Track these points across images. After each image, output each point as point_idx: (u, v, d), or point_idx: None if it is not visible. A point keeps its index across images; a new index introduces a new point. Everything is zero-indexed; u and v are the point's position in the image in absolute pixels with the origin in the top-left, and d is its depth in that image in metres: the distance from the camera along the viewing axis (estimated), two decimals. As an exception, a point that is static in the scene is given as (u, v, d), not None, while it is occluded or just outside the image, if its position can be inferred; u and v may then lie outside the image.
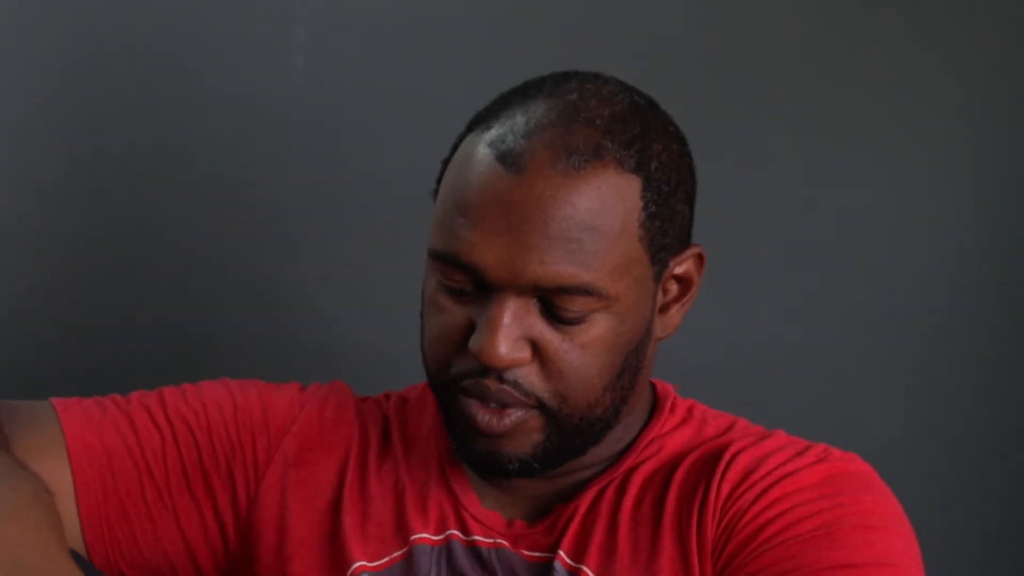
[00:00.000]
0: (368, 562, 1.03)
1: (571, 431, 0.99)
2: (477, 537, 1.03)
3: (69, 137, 1.47)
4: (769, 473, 0.99)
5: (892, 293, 1.58)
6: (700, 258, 1.03)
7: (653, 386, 1.09)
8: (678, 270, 1.02)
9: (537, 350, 0.96)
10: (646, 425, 1.07)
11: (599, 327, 0.96)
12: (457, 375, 0.98)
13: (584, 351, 0.96)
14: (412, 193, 1.53)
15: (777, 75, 1.55)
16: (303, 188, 1.51)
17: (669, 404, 1.07)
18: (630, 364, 0.99)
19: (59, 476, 1.03)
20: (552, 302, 0.94)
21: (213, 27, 1.48)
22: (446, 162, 1.02)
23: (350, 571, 1.03)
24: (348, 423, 1.10)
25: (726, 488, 0.99)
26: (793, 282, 1.56)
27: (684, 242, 1.02)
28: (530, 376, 0.96)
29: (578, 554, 1.01)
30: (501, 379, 0.96)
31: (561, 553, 1.01)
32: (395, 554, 1.04)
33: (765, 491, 0.98)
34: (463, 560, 1.03)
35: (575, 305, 0.94)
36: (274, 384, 1.12)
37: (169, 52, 1.47)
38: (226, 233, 1.50)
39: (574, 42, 1.52)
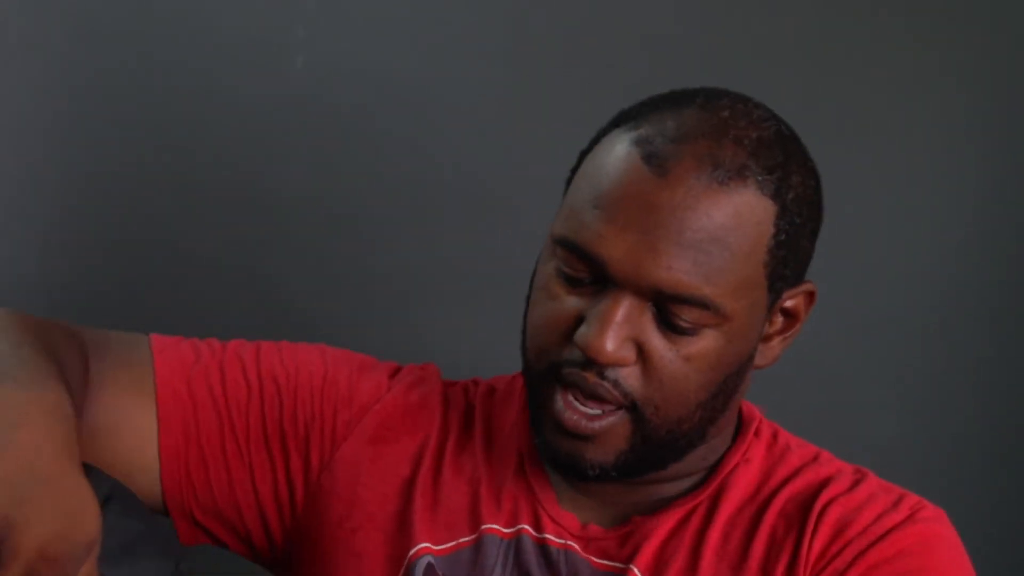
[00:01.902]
0: (433, 545, 1.04)
1: (655, 443, 0.98)
2: (548, 536, 1.03)
3: (69, 137, 1.47)
4: (865, 530, 0.98)
5: (892, 293, 1.58)
6: (811, 296, 1.03)
7: (739, 407, 1.09)
8: (788, 303, 1.02)
9: (641, 354, 0.96)
10: (731, 447, 1.06)
11: (707, 343, 0.96)
12: (557, 363, 0.98)
13: (688, 364, 0.96)
14: (412, 193, 1.54)
15: (777, 75, 1.55)
16: (303, 188, 1.51)
17: (754, 427, 1.07)
18: (727, 386, 1.00)
19: (144, 417, 1.06)
20: (668, 309, 0.95)
21: (213, 27, 1.48)
22: (584, 153, 1.02)
23: (412, 551, 1.03)
24: (431, 407, 1.11)
25: (819, 544, 0.99)
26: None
27: (800, 276, 1.02)
28: (630, 378, 0.96)
29: (654, 575, 1.00)
30: (602, 375, 0.96)
31: (635, 569, 1.00)
32: (463, 540, 1.04)
33: (862, 553, 0.98)
34: (531, 557, 1.03)
35: (690, 316, 0.95)
36: (369, 362, 1.14)
37: (169, 52, 1.47)
38: (225, 232, 1.50)
39: (574, 42, 1.52)
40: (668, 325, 0.95)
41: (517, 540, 1.03)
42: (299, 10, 1.49)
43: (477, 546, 1.04)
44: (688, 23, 1.55)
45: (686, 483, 1.05)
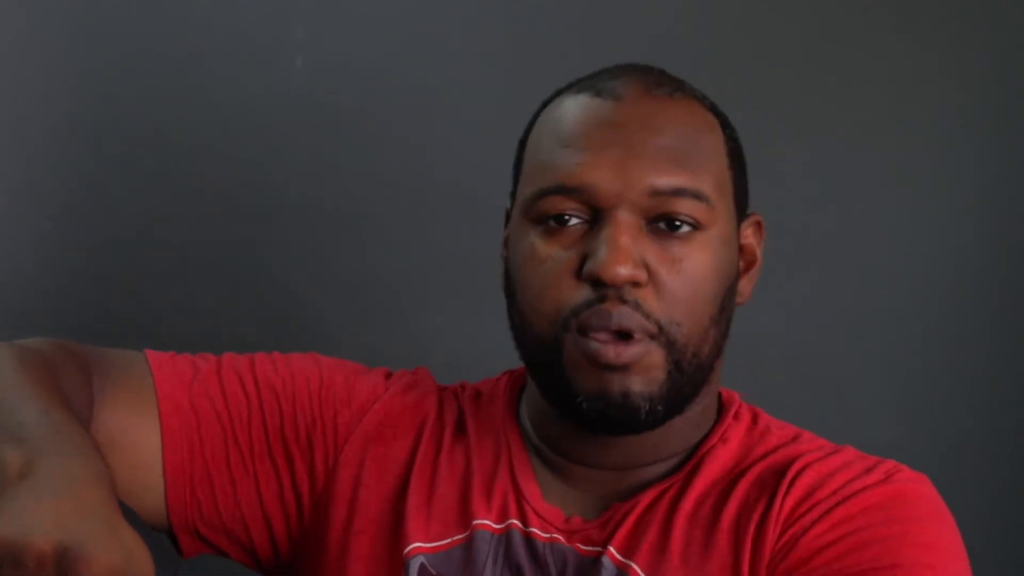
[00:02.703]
0: (426, 543, 1.04)
1: (686, 368, 0.99)
2: (534, 530, 1.04)
3: (69, 137, 1.47)
4: (835, 491, 0.98)
5: (892, 293, 1.58)
6: (759, 226, 1.08)
7: (719, 393, 1.09)
8: (743, 240, 1.05)
9: (650, 274, 0.98)
10: (711, 430, 1.07)
11: (702, 252, 0.99)
12: (574, 310, 0.98)
13: (693, 275, 0.98)
14: (412, 193, 1.54)
15: (777, 75, 1.55)
16: (302, 188, 1.51)
17: (734, 410, 1.07)
18: (726, 304, 1.02)
19: (148, 435, 1.06)
20: (663, 213, 0.98)
21: (213, 27, 1.48)
22: (523, 141, 1.06)
23: (406, 551, 1.04)
24: (426, 409, 1.11)
25: (790, 503, 0.98)
26: (793, 282, 1.56)
27: (747, 205, 1.06)
28: (648, 299, 0.97)
29: (629, 551, 1.01)
30: (622, 299, 0.97)
31: (611, 549, 1.01)
32: (456, 537, 1.05)
33: (830, 510, 0.97)
34: (520, 551, 1.03)
35: (687, 209, 0.98)
36: (362, 367, 1.14)
37: (169, 52, 1.47)
38: (225, 232, 1.50)
39: (574, 42, 1.52)
40: (665, 233, 0.98)
41: (507, 535, 1.04)
42: (299, 10, 1.49)
43: (469, 543, 1.04)
44: (688, 23, 1.55)
45: (666, 466, 1.05)
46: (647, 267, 0.97)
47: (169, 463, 1.06)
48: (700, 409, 1.05)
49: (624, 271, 0.95)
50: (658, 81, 1.03)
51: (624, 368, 0.97)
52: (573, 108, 1.01)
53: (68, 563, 0.76)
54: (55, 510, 0.79)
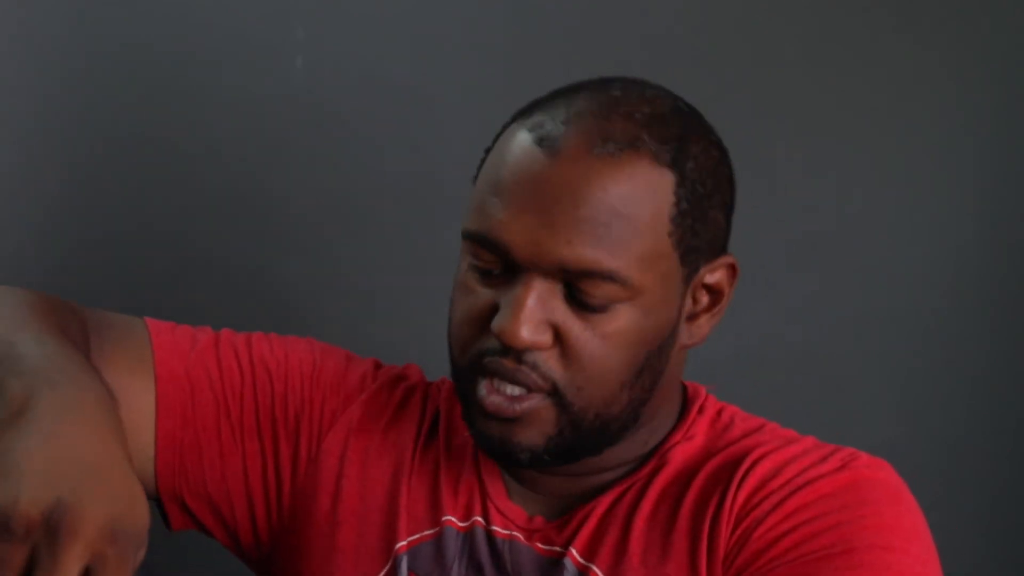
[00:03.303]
0: (402, 540, 1.05)
1: (586, 427, 0.98)
2: (495, 528, 1.04)
3: (68, 137, 1.47)
4: (788, 481, 0.97)
5: (892, 293, 1.58)
6: (733, 269, 1.03)
7: (684, 388, 1.09)
8: (709, 279, 1.01)
9: (558, 336, 0.96)
10: (674, 428, 1.06)
11: (622, 319, 0.96)
12: (478, 354, 0.98)
13: (605, 342, 0.96)
14: (412, 193, 1.54)
15: (777, 75, 1.55)
16: (302, 188, 1.51)
17: (698, 406, 1.06)
18: (651, 364, 0.99)
19: (142, 398, 1.07)
20: (577, 287, 0.95)
21: (213, 27, 1.48)
22: (488, 151, 1.03)
23: (398, 546, 1.05)
24: (413, 404, 1.12)
25: (743, 495, 0.98)
26: (793, 282, 1.56)
27: (717, 251, 1.02)
28: (549, 361, 0.96)
29: (590, 553, 1.01)
30: (520, 360, 0.96)
31: (573, 551, 1.01)
32: (426, 532, 1.05)
33: (783, 500, 0.96)
34: (482, 548, 1.04)
35: (599, 291, 0.94)
36: (354, 355, 1.15)
37: (169, 52, 1.47)
38: (225, 233, 1.50)
39: (574, 42, 1.52)
40: (580, 304, 0.95)
41: (471, 533, 1.05)
42: (299, 10, 1.49)
43: (439, 540, 1.05)
44: (688, 23, 1.55)
45: (627, 468, 1.05)
46: (556, 329, 0.96)
47: (161, 428, 1.07)
48: (652, 412, 1.03)
49: (524, 336, 0.94)
50: (607, 134, 0.96)
51: (510, 420, 0.98)
52: (514, 151, 0.97)
53: (57, 523, 0.75)
54: (45, 459, 0.78)
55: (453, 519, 1.05)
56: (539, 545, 1.03)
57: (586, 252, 0.93)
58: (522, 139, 0.97)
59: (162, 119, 1.48)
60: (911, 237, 1.57)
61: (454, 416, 1.11)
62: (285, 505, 1.10)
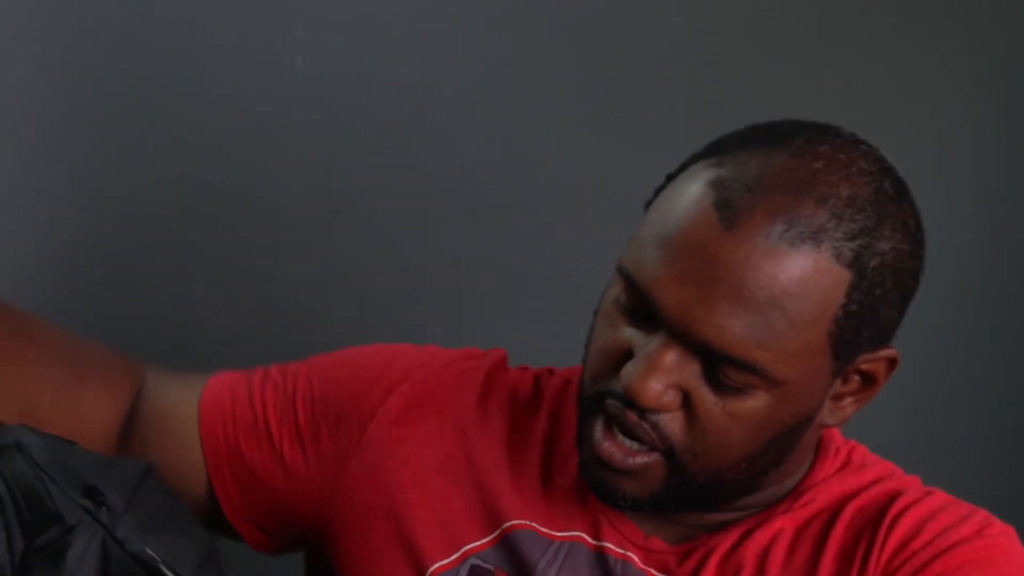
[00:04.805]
0: (475, 542, 1.01)
1: (695, 488, 0.95)
2: (608, 544, 1.00)
3: (68, 137, 1.47)
4: (931, 542, 0.95)
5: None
6: (892, 362, 0.97)
7: (816, 440, 1.03)
8: (865, 367, 0.96)
9: (686, 402, 0.92)
10: (807, 474, 1.01)
11: (756, 403, 0.92)
12: (604, 392, 0.94)
13: (734, 420, 0.92)
14: (412, 193, 1.54)
15: (776, 75, 1.55)
16: (302, 188, 1.51)
17: (832, 450, 1.02)
18: (779, 443, 0.95)
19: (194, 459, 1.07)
20: (716, 366, 0.90)
21: (213, 27, 1.48)
22: (671, 177, 0.97)
23: (464, 548, 1.01)
24: (467, 390, 1.06)
25: (886, 556, 0.95)
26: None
27: (881, 341, 0.96)
28: (671, 424, 0.92)
29: None
30: (642, 415, 0.92)
31: None
32: (491, 536, 1.01)
33: (927, 564, 0.95)
34: (583, 564, 1.00)
35: (738, 378, 0.90)
36: (403, 348, 1.11)
37: (169, 52, 1.47)
38: (225, 233, 1.50)
39: (574, 42, 1.52)
40: (715, 381, 0.91)
41: (569, 546, 1.00)
42: (299, 10, 1.49)
43: (505, 543, 1.01)
44: (688, 23, 1.55)
45: (756, 509, 1.00)
46: (686, 395, 0.92)
47: (206, 440, 1.07)
48: (781, 479, 0.99)
49: (650, 397, 0.90)
50: (792, 218, 0.88)
51: (618, 471, 0.94)
52: (689, 207, 0.90)
53: None
54: None
55: (535, 524, 1.01)
56: (654, 572, 0.99)
57: (735, 339, 0.89)
58: (701, 196, 0.90)
59: (161, 119, 1.48)
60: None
61: (564, 413, 1.05)
62: (331, 504, 1.05)
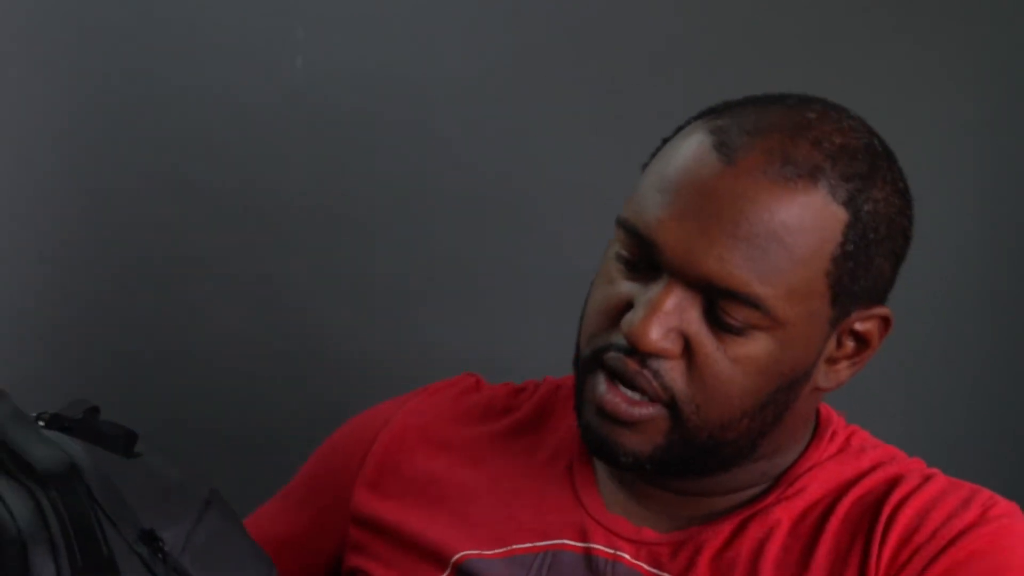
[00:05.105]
0: (479, 550, 1.01)
1: (697, 446, 0.95)
2: (596, 545, 1.00)
3: (68, 137, 1.47)
4: (935, 533, 0.95)
5: (891, 293, 1.58)
6: (886, 322, 0.99)
7: (817, 411, 1.04)
8: (859, 326, 0.98)
9: (688, 349, 0.93)
10: (802, 455, 1.01)
11: (757, 346, 0.93)
12: (603, 347, 0.95)
13: (735, 365, 0.93)
14: (412, 193, 1.54)
15: (777, 75, 1.55)
16: (302, 187, 1.51)
17: (830, 432, 1.02)
18: (777, 398, 0.96)
19: None
20: (717, 304, 0.92)
21: (213, 27, 1.48)
22: (665, 140, 0.99)
23: (456, 557, 1.01)
24: (439, 424, 1.08)
25: (887, 553, 0.95)
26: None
27: (874, 300, 0.98)
28: (673, 371, 0.93)
29: None
30: (643, 363, 0.93)
31: None
32: (517, 546, 1.01)
33: (934, 559, 0.94)
34: (570, 570, 0.99)
35: (740, 314, 0.92)
36: (370, 411, 1.13)
37: (169, 52, 1.47)
38: (225, 233, 1.50)
39: (574, 42, 1.52)
40: (717, 321, 0.92)
41: (553, 555, 1.00)
42: (299, 10, 1.49)
43: (549, 555, 1.00)
44: (688, 23, 1.55)
45: (748, 494, 1.00)
46: (687, 340, 0.92)
47: None
48: (774, 444, 0.99)
49: (652, 340, 0.91)
50: (789, 156, 0.92)
51: (622, 423, 0.94)
52: (690, 150, 0.93)
53: None
54: None
55: (527, 543, 1.01)
56: (646, 567, 0.98)
57: (735, 271, 0.90)
58: (701, 140, 0.94)
59: (161, 119, 1.48)
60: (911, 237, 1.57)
61: (549, 420, 1.06)
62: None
